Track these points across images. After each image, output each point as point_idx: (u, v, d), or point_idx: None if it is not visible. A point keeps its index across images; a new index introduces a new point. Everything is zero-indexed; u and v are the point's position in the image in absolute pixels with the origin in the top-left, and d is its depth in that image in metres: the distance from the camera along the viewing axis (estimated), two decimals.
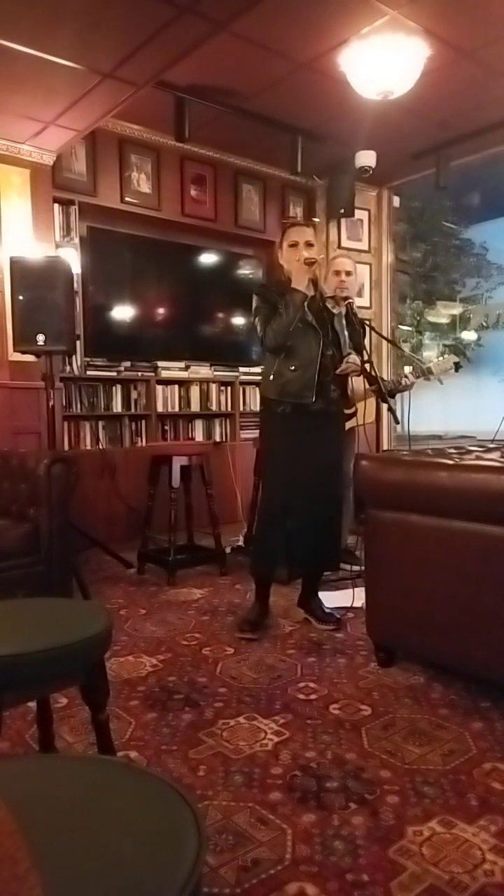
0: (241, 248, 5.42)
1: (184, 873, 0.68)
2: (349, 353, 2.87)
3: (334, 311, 2.86)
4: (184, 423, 5.13)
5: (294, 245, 2.77)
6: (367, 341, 2.98)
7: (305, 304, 2.73)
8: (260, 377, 3.05)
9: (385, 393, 3.36)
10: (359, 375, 2.92)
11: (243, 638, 2.72)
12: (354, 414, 3.54)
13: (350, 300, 3.22)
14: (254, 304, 2.82)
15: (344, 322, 2.92)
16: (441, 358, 3.71)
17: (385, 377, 3.81)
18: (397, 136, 4.65)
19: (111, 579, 3.73)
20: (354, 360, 2.84)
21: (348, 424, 3.56)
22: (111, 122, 4.25)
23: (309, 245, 2.77)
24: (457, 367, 3.60)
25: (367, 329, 3.67)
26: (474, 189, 9.52)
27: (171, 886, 0.66)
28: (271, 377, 2.81)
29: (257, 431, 3.50)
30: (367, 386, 3.46)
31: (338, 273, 3.62)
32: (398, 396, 3.53)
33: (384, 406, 3.35)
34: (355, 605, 2.99)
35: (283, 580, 3.21)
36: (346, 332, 2.89)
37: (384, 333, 5.42)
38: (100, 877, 0.68)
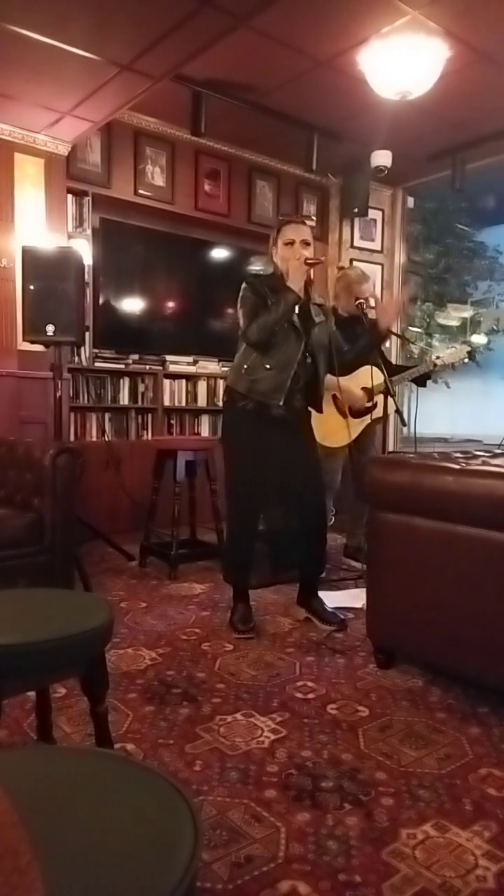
0: (253, 244, 5.40)
1: (180, 867, 0.69)
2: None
3: (316, 319, 2.80)
4: (190, 418, 5.13)
5: (290, 243, 2.71)
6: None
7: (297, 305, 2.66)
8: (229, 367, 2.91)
9: (393, 393, 3.39)
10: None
11: (244, 638, 2.70)
12: (375, 407, 3.58)
13: (360, 301, 3.23)
14: (241, 294, 2.75)
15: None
16: (453, 348, 3.77)
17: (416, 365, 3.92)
18: (414, 137, 4.63)
19: (113, 571, 3.74)
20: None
21: (369, 417, 3.62)
22: (127, 114, 4.25)
23: (306, 244, 2.71)
24: (471, 355, 3.64)
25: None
26: (490, 192, 9.46)
27: (169, 879, 0.67)
28: (243, 370, 2.74)
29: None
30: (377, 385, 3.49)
31: (367, 298, 3.60)
32: (401, 397, 3.57)
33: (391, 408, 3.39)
34: (356, 605, 2.99)
35: (265, 583, 3.18)
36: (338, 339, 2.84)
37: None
38: (97, 869, 0.69)
